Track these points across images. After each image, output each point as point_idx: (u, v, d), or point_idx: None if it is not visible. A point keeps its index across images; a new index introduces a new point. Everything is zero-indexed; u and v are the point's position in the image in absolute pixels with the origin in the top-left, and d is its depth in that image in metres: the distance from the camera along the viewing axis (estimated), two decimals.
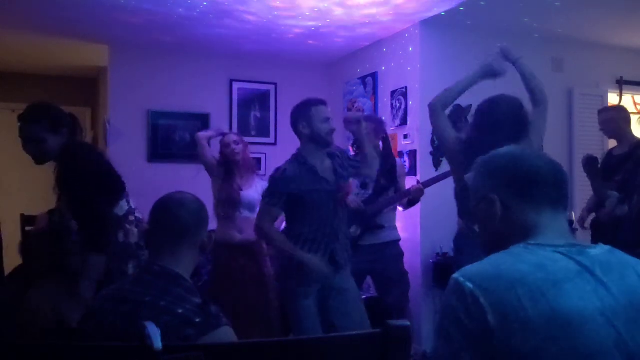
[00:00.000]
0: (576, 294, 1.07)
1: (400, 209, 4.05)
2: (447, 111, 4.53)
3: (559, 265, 1.11)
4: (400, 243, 4.02)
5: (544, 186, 1.22)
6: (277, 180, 2.92)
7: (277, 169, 2.99)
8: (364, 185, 3.93)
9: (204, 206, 1.73)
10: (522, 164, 1.24)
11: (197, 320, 1.46)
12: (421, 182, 3.85)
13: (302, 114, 2.97)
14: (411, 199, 3.87)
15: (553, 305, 1.05)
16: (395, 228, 4.01)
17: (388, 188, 3.90)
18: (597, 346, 1.04)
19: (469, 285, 1.09)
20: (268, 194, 2.95)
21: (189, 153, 4.96)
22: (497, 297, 1.06)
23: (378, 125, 3.97)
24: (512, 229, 1.23)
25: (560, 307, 1.05)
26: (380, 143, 3.91)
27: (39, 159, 2.66)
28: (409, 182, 4.10)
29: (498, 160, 1.28)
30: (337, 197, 2.97)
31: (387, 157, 4.00)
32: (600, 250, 1.18)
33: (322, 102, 3.03)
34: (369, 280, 4.19)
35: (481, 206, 1.28)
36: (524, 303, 1.05)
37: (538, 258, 1.12)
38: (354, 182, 3.95)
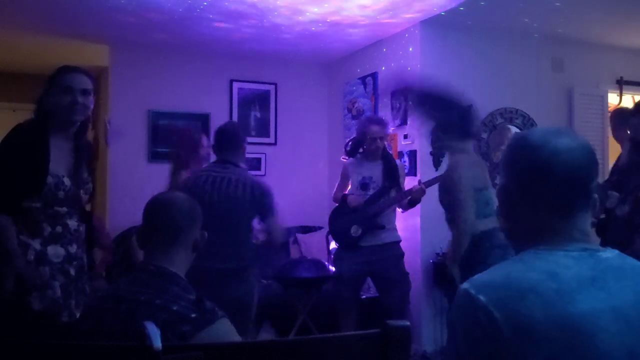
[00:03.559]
0: (589, 303, 1.04)
1: (399, 210, 4.05)
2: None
3: (571, 272, 1.07)
4: (400, 243, 4.02)
5: (556, 188, 1.13)
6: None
7: None
8: (363, 186, 3.93)
9: (195, 205, 1.73)
10: (536, 160, 1.13)
11: (193, 316, 1.47)
12: (422, 182, 3.83)
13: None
14: (412, 200, 3.86)
15: (566, 315, 1.02)
16: (395, 229, 4.01)
17: (390, 189, 3.91)
18: (611, 356, 1.02)
19: (482, 298, 1.05)
20: None
21: None
22: (510, 309, 1.03)
23: (388, 128, 4.03)
24: (520, 227, 1.19)
25: (574, 316, 1.02)
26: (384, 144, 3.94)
27: (81, 115, 2.36)
28: (409, 183, 4.10)
29: (515, 151, 1.20)
30: None
31: (389, 157, 4.02)
32: (611, 254, 1.14)
33: None
34: (369, 280, 4.19)
35: (499, 197, 1.23)
36: (537, 313, 1.02)
37: (549, 265, 1.08)
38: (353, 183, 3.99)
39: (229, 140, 3.13)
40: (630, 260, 1.16)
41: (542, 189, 1.14)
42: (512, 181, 1.19)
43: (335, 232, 4.08)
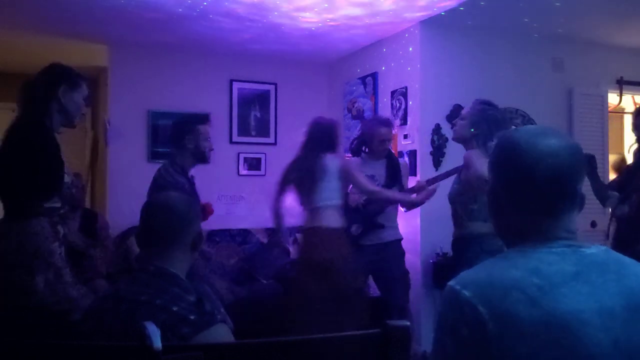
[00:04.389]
0: (573, 297, 1.05)
1: (402, 209, 4.04)
2: (447, 111, 4.58)
3: (554, 268, 1.09)
4: (400, 243, 4.02)
5: (541, 191, 1.13)
6: (161, 177, 3.19)
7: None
8: None
9: (191, 205, 1.72)
10: (521, 164, 1.14)
11: (192, 318, 1.47)
12: (426, 180, 3.78)
13: (189, 129, 3.22)
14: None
15: (549, 310, 1.03)
16: (396, 227, 4.01)
17: (392, 187, 3.90)
18: (595, 349, 1.03)
19: (466, 293, 1.07)
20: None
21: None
22: (494, 304, 1.04)
23: (394, 128, 4.01)
24: (507, 227, 1.21)
25: (557, 311, 1.04)
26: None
27: None
28: (409, 183, 4.10)
29: (498, 152, 1.21)
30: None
31: (392, 156, 4.02)
32: (596, 249, 1.15)
33: (207, 122, 3.32)
34: (371, 279, 4.19)
35: (488, 197, 1.25)
36: (520, 309, 1.03)
37: (532, 262, 1.10)
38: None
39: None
40: (615, 255, 1.17)
41: (527, 191, 1.15)
42: (499, 182, 1.20)
43: None
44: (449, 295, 1.10)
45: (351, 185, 4.01)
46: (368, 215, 3.86)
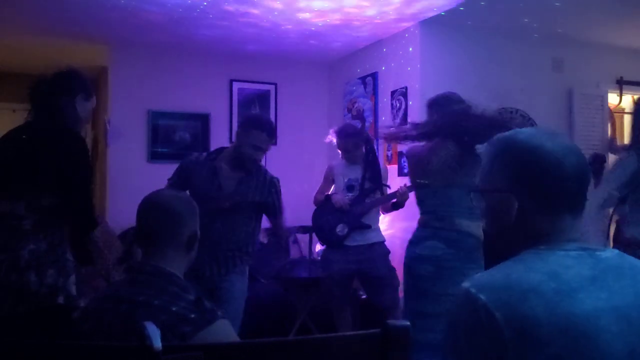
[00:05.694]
0: (590, 303, 1.04)
1: (382, 213, 4.07)
2: None
3: (572, 272, 1.07)
4: (398, 242, 4.04)
5: (565, 189, 1.12)
6: (184, 159, 3.22)
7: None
8: (350, 188, 4.00)
9: (183, 204, 1.71)
10: (542, 160, 1.12)
11: (192, 316, 1.47)
12: (407, 185, 3.79)
13: (242, 128, 3.16)
14: (396, 203, 3.81)
15: (568, 316, 1.02)
16: (379, 229, 4.06)
17: (373, 191, 3.95)
18: (612, 356, 1.02)
19: (482, 297, 1.04)
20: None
21: (189, 153, 4.97)
22: (511, 310, 1.02)
23: (356, 138, 3.99)
24: (523, 233, 1.16)
25: (575, 317, 1.02)
26: (363, 149, 3.96)
27: None
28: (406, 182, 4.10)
29: (515, 153, 1.17)
30: (219, 205, 2.98)
31: (372, 163, 4.03)
32: (611, 253, 1.14)
33: (265, 130, 3.14)
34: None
35: (495, 201, 1.20)
36: (539, 314, 1.01)
37: (550, 265, 1.08)
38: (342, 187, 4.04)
39: None
40: (629, 259, 1.16)
41: (553, 191, 1.13)
42: (513, 184, 1.16)
43: (320, 230, 4.11)
44: (465, 299, 1.07)
45: (333, 186, 4.07)
46: (354, 216, 3.90)
